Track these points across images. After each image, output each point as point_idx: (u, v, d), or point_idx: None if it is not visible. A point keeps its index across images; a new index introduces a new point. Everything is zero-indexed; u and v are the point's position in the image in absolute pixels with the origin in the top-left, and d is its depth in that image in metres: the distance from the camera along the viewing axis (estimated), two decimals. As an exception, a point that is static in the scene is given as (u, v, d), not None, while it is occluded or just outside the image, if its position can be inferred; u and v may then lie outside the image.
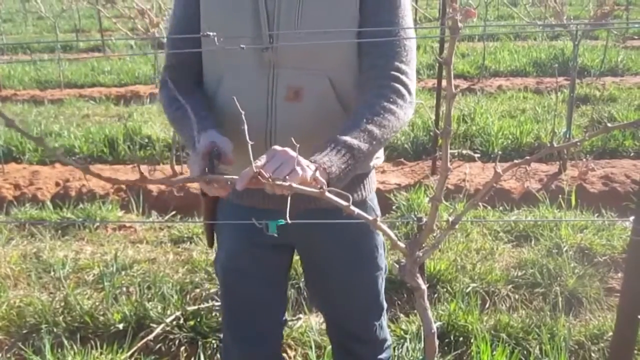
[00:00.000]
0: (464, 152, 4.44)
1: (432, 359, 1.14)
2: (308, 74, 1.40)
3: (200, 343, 2.56)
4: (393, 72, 1.36)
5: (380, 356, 1.74)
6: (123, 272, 3.16)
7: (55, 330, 2.67)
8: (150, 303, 2.79)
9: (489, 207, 3.87)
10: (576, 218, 3.69)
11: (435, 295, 2.91)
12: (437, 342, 1.13)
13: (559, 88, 6.77)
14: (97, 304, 2.85)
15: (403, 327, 2.64)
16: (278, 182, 1.04)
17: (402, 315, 2.78)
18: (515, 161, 0.99)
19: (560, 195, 3.74)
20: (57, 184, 4.51)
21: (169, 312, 2.73)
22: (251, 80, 1.42)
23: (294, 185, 1.03)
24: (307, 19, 1.37)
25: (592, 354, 2.47)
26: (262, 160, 1.11)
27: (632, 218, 1.17)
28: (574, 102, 4.50)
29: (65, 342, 2.55)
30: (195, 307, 2.76)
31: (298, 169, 1.11)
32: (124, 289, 3.02)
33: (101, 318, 2.74)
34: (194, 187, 4.14)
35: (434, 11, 14.63)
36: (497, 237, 3.52)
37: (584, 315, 2.77)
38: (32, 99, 7.68)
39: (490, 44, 10.07)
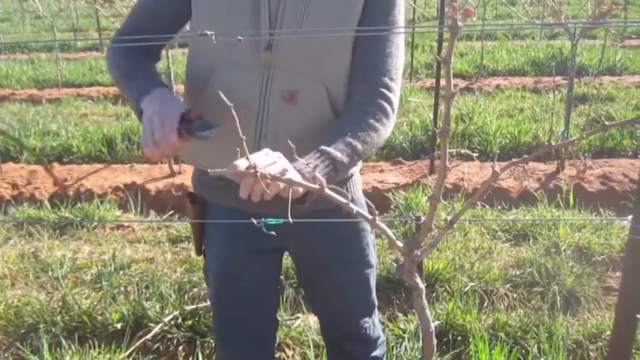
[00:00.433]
0: (462, 151, 4.45)
1: (430, 358, 1.13)
2: (305, 78, 1.39)
3: (198, 342, 2.56)
4: (382, 89, 1.39)
5: (374, 354, 1.74)
6: (121, 272, 3.15)
7: (53, 329, 2.67)
8: (148, 302, 2.79)
9: (487, 206, 3.88)
10: (574, 217, 3.70)
11: (434, 295, 2.91)
12: (435, 341, 1.13)
13: (557, 87, 6.77)
14: (95, 303, 2.85)
15: (401, 326, 2.64)
16: (271, 174, 1.03)
17: (400, 314, 2.78)
18: (513, 160, 0.99)
19: (558, 195, 3.74)
20: (55, 184, 4.50)
21: (167, 311, 2.73)
22: (245, 78, 1.39)
23: (294, 179, 1.03)
24: (311, 21, 1.35)
25: (590, 353, 2.47)
26: (256, 155, 1.14)
27: (630, 217, 1.17)
28: (572, 101, 4.51)
29: (63, 341, 2.55)
30: (194, 306, 2.76)
31: (291, 170, 1.12)
32: (122, 288, 3.02)
33: (99, 317, 2.73)
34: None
35: (433, 10, 14.62)
36: (495, 236, 3.52)
37: (582, 315, 2.77)
38: (29, 99, 7.66)
39: (488, 43, 10.07)
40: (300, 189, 1.19)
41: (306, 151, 1.26)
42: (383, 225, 1.02)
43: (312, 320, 2.69)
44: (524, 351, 2.46)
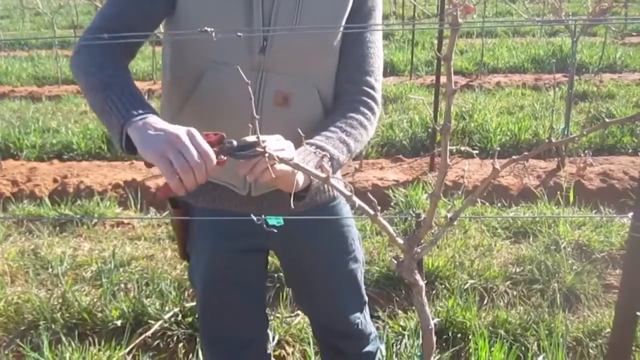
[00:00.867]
0: (462, 148, 4.44)
1: (429, 355, 1.13)
2: (298, 80, 1.40)
3: (198, 339, 2.56)
4: (366, 88, 1.45)
5: (367, 349, 1.75)
6: (121, 269, 3.15)
7: (53, 326, 2.67)
8: (148, 299, 2.79)
9: (487, 204, 3.87)
10: (574, 215, 3.70)
11: (434, 292, 2.91)
12: (434, 338, 1.13)
13: (558, 85, 6.77)
14: (95, 300, 2.85)
15: (401, 323, 2.64)
16: (280, 157, 1.04)
17: (400, 311, 2.78)
18: (514, 157, 0.99)
19: (558, 192, 3.74)
20: (55, 181, 4.50)
21: (167, 308, 2.73)
22: (237, 81, 1.37)
23: (301, 164, 1.04)
24: (304, 23, 1.36)
25: (590, 351, 2.48)
26: (268, 137, 1.15)
27: (630, 214, 1.17)
28: (572, 98, 4.50)
29: (63, 338, 2.55)
30: (194, 303, 2.75)
31: (297, 159, 1.13)
32: (122, 285, 3.02)
33: (99, 314, 2.73)
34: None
35: (433, 7, 14.61)
36: (495, 234, 3.52)
37: (582, 312, 2.78)
38: (29, 96, 7.65)
39: (488, 40, 10.06)
40: (301, 182, 1.20)
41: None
42: (384, 222, 1.02)
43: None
44: (523, 348, 2.46)
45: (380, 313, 2.75)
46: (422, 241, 1.07)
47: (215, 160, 1.08)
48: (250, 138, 1.09)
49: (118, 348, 2.49)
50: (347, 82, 1.45)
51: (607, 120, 0.94)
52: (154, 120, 1.15)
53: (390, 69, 8.46)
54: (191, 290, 2.95)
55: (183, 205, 1.52)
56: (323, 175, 1.01)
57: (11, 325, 2.74)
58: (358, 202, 1.01)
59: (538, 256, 3.13)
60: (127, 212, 4.07)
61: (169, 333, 2.62)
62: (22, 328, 2.72)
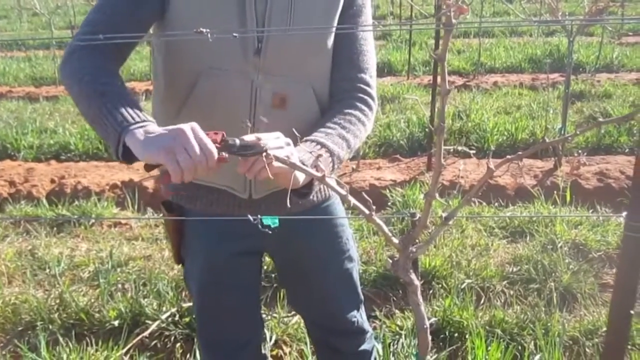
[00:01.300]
0: (460, 148, 4.45)
1: (425, 353, 1.14)
2: (293, 81, 1.40)
3: (195, 339, 2.56)
4: (363, 86, 1.46)
5: (363, 347, 1.76)
6: (118, 269, 3.15)
7: (50, 327, 2.67)
8: (146, 300, 2.79)
9: (484, 204, 3.88)
10: (571, 214, 3.70)
11: (431, 291, 2.92)
12: (430, 337, 1.14)
13: (554, 85, 6.78)
14: (92, 300, 2.85)
15: (398, 322, 2.65)
16: (277, 156, 1.04)
17: (397, 311, 2.79)
18: (508, 157, 1.00)
19: (555, 192, 3.75)
20: (53, 181, 4.50)
21: (164, 308, 2.73)
22: (233, 85, 1.37)
23: (297, 164, 1.04)
24: (298, 24, 1.37)
25: (587, 349, 2.48)
26: (267, 135, 1.15)
27: (624, 213, 1.18)
28: (569, 98, 4.51)
29: (61, 339, 2.55)
30: (191, 303, 2.76)
31: (295, 158, 1.14)
32: (120, 285, 3.02)
33: (96, 315, 2.74)
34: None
35: (430, 7, 14.61)
36: (492, 233, 3.53)
37: (578, 311, 2.78)
38: (27, 96, 7.65)
39: (485, 40, 10.07)
40: (300, 180, 1.20)
41: None
42: (379, 221, 1.02)
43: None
44: (520, 347, 2.47)
45: (377, 313, 2.75)
46: (417, 241, 1.08)
47: (216, 156, 1.08)
48: (250, 137, 1.10)
49: (115, 348, 2.49)
50: (342, 80, 1.46)
51: (600, 120, 0.95)
52: (153, 128, 1.14)
53: (387, 69, 8.47)
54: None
55: (178, 209, 1.52)
56: (319, 174, 1.02)
57: (8, 326, 2.74)
58: (353, 201, 1.01)
59: (535, 256, 3.14)
60: (124, 212, 4.07)
61: (167, 333, 2.62)
62: (20, 328, 2.72)
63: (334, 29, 1.42)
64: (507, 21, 10.43)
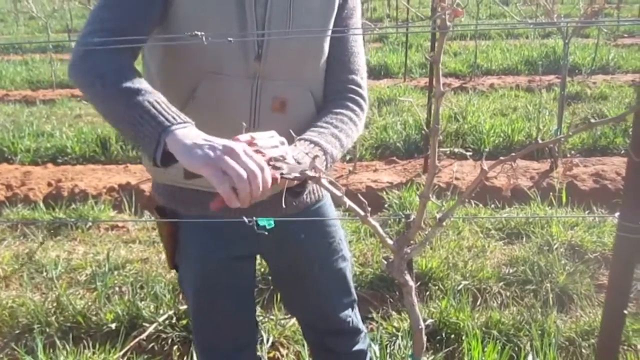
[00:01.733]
0: (456, 150, 4.46)
1: (420, 354, 1.15)
2: (293, 85, 1.41)
3: (192, 342, 2.57)
4: (353, 86, 1.49)
5: (358, 347, 1.76)
6: (115, 272, 3.16)
7: (47, 330, 2.67)
8: (143, 302, 2.79)
9: (481, 205, 3.89)
10: (567, 215, 3.72)
11: (427, 293, 2.92)
12: (425, 338, 1.14)
13: (550, 86, 6.79)
14: (89, 303, 2.85)
15: (395, 324, 2.65)
16: (270, 155, 1.05)
17: (394, 312, 2.79)
18: (501, 158, 1.00)
19: (551, 193, 3.76)
20: (49, 185, 4.50)
21: (161, 311, 2.73)
22: (234, 90, 1.37)
23: (291, 163, 1.05)
24: (297, 27, 1.38)
25: (583, 350, 2.49)
26: (261, 134, 1.15)
27: (617, 214, 1.19)
28: (564, 100, 4.53)
29: (58, 342, 2.55)
30: (188, 306, 2.76)
31: (290, 158, 1.14)
32: (117, 288, 3.02)
33: (94, 318, 2.74)
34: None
35: (427, 10, 14.64)
36: (488, 235, 3.53)
37: (574, 312, 2.79)
38: (24, 99, 7.65)
39: (482, 42, 10.11)
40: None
41: None
42: (374, 222, 1.03)
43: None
44: (516, 348, 2.47)
45: (374, 314, 2.75)
46: (412, 242, 1.08)
47: (270, 181, 1.04)
48: (244, 136, 1.10)
49: (112, 351, 2.49)
50: (333, 82, 1.48)
51: (592, 121, 0.96)
52: (197, 131, 1.10)
53: (384, 72, 8.49)
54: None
55: (171, 214, 1.51)
56: (316, 175, 1.02)
57: (5, 329, 2.74)
58: (349, 203, 1.02)
59: (531, 257, 3.15)
60: (121, 215, 4.07)
61: (164, 336, 2.62)
62: (17, 332, 2.72)
63: (329, 32, 1.43)
64: (503, 23, 10.46)
